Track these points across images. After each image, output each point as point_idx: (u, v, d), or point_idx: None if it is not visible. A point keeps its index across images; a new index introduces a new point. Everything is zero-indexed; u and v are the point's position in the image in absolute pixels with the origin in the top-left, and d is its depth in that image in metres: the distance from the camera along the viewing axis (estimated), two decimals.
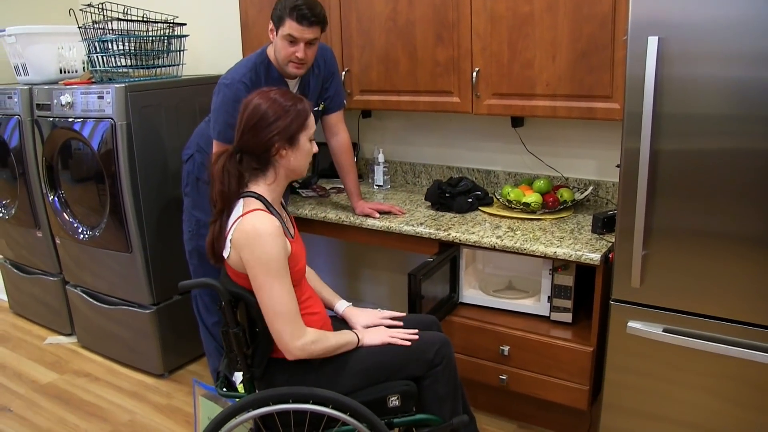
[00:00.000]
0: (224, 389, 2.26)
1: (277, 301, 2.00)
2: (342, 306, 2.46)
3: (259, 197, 2.10)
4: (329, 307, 2.45)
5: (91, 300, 3.72)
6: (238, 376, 2.31)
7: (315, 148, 2.20)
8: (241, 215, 2.03)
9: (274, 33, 2.69)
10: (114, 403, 3.34)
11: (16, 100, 3.72)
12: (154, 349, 3.52)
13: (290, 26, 2.61)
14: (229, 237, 2.06)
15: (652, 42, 2.04)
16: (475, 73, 2.90)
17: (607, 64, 2.60)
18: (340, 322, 2.41)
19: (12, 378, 3.62)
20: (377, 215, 3.00)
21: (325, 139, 3.11)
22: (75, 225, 3.61)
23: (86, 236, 3.55)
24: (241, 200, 2.09)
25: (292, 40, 2.64)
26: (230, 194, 2.09)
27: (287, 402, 2.00)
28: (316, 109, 2.99)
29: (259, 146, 2.08)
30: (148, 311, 3.47)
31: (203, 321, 3.17)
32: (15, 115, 3.75)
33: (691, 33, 2.00)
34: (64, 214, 3.65)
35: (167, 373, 3.59)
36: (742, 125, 1.99)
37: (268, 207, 2.10)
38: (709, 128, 2.05)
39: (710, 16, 1.97)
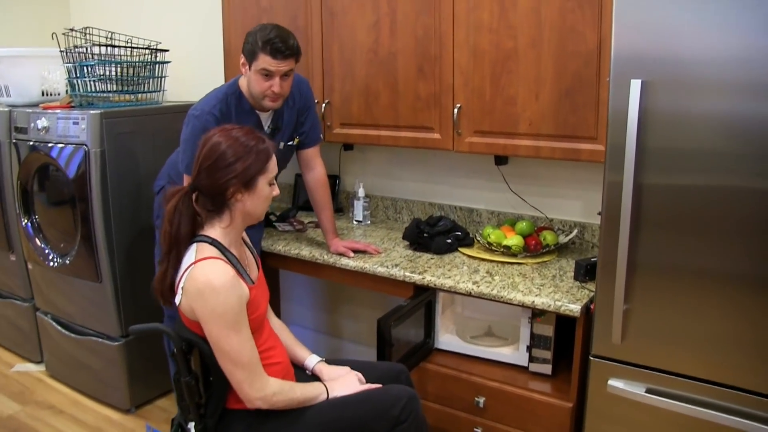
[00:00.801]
0: None
1: (234, 352, 1.83)
2: (312, 361, 2.24)
3: (213, 242, 1.91)
4: (299, 363, 2.24)
5: (60, 328, 3.52)
6: (192, 426, 2.11)
7: (276, 192, 2.02)
8: (193, 262, 1.86)
9: (247, 67, 2.54)
10: None
11: None
12: (121, 382, 3.31)
13: (264, 60, 2.46)
14: (180, 284, 1.88)
15: (635, 85, 1.87)
16: (456, 109, 2.71)
17: (591, 104, 2.42)
18: (312, 378, 2.20)
19: None
20: (351, 254, 2.79)
21: (301, 174, 2.93)
22: (46, 251, 3.43)
23: (57, 263, 3.36)
24: (194, 245, 1.91)
25: (267, 74, 2.49)
26: (179, 237, 1.92)
27: None
28: (290, 143, 2.81)
29: (215, 187, 1.90)
30: (116, 343, 3.26)
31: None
32: None
33: (674, 70, 1.84)
34: (36, 239, 3.46)
35: (134, 408, 3.37)
36: (727, 161, 1.82)
37: (224, 253, 1.91)
38: (693, 164, 1.87)
39: (692, 53, 1.81)
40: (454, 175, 3.24)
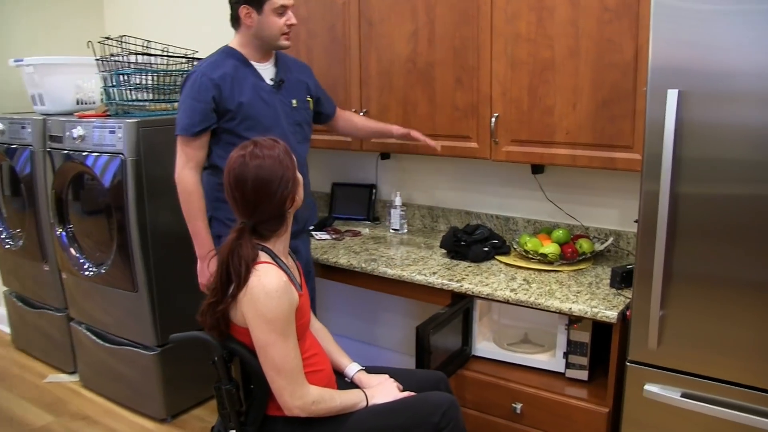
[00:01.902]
0: None
1: (279, 359, 1.97)
2: (353, 369, 2.39)
3: (264, 248, 2.08)
4: (339, 370, 2.40)
5: (94, 338, 3.74)
6: None
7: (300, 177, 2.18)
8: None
9: (254, 14, 2.64)
10: None
11: (29, 130, 3.82)
12: (157, 392, 3.52)
13: None
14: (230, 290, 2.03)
15: (672, 95, 2.05)
16: (494, 119, 2.92)
17: (628, 114, 2.61)
18: (351, 386, 2.35)
19: (2, 422, 3.58)
20: (420, 136, 3.05)
21: (339, 131, 3.23)
22: (81, 261, 3.65)
23: (92, 273, 3.59)
24: None
25: (282, 10, 2.65)
26: (238, 270, 1.99)
27: None
28: (305, 106, 2.93)
29: (276, 210, 2.06)
30: (152, 353, 3.47)
31: None
32: (28, 145, 3.84)
33: (710, 81, 2.02)
34: (71, 249, 3.69)
35: (170, 418, 3.58)
36: (762, 171, 1.99)
37: (275, 259, 2.08)
38: (728, 173, 2.05)
39: (727, 65, 1.99)
40: (490, 183, 3.45)
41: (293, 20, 2.70)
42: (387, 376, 2.35)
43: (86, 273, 3.62)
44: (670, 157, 2.08)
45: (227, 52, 2.75)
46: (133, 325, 3.53)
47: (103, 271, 3.52)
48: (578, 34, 2.66)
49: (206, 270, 2.68)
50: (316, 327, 2.44)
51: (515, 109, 2.87)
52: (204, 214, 2.72)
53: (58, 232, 3.73)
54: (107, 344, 3.67)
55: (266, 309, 1.95)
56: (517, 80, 2.84)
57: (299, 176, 2.14)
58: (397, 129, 3.09)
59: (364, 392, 2.20)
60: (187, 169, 2.68)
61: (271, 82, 2.79)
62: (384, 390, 2.25)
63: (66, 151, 3.58)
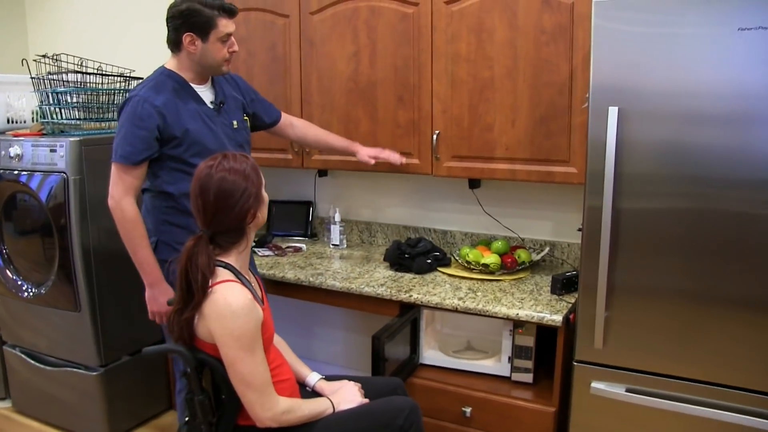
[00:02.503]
0: None
1: (248, 374, 2.01)
2: (314, 379, 2.47)
3: (227, 266, 2.12)
4: (300, 380, 2.46)
5: (30, 361, 3.67)
6: None
7: (266, 197, 2.24)
8: (210, 286, 2.04)
9: (198, 42, 2.60)
10: None
11: None
12: (99, 413, 3.48)
13: (224, 24, 2.60)
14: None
15: (613, 112, 2.22)
16: (435, 136, 3.04)
17: (565, 130, 2.78)
18: (312, 395, 2.42)
19: None
20: (372, 162, 3.10)
21: (289, 138, 3.22)
22: (19, 283, 3.58)
23: (31, 294, 3.53)
24: None
25: (226, 38, 2.63)
26: (197, 278, 2.03)
27: None
28: (244, 122, 2.91)
29: (235, 222, 2.11)
30: (94, 373, 3.44)
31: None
32: None
33: (647, 99, 2.21)
34: (7, 271, 3.62)
35: None
36: (696, 186, 2.18)
37: (238, 276, 2.11)
38: (666, 188, 2.23)
39: (663, 83, 2.18)
40: (427, 198, 3.58)
41: (235, 47, 2.69)
42: (347, 380, 2.43)
43: (25, 294, 3.55)
44: (612, 173, 2.24)
45: (167, 74, 2.67)
46: (73, 346, 3.48)
47: (42, 291, 3.47)
48: (516, 55, 2.82)
49: (157, 297, 2.64)
50: (276, 339, 2.49)
51: (456, 126, 3.01)
52: (147, 240, 2.63)
53: None
54: (45, 366, 3.61)
55: (234, 326, 1.99)
56: (458, 98, 2.98)
57: (265, 195, 2.19)
58: (362, 150, 3.11)
59: (330, 399, 2.27)
60: (126, 197, 2.58)
61: (211, 105, 2.76)
62: (347, 394, 2.32)
63: (1, 171, 3.52)
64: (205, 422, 2.14)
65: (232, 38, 2.66)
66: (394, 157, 3.11)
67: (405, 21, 3.05)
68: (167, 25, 2.63)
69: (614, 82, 2.24)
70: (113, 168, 2.60)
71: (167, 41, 2.67)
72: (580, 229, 2.42)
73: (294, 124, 3.17)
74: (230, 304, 1.99)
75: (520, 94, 2.85)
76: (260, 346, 2.06)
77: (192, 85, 2.71)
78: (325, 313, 3.99)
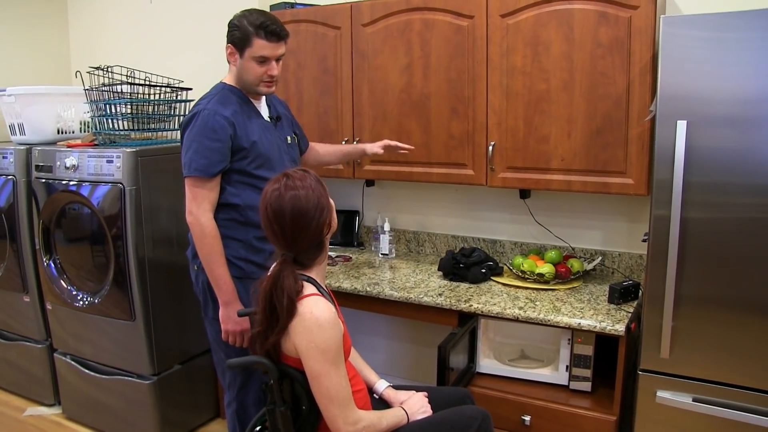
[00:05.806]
0: None
1: (333, 388, 2.04)
2: (381, 386, 2.50)
3: (309, 279, 2.16)
4: (368, 386, 2.49)
5: (81, 368, 3.74)
6: None
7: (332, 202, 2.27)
8: (297, 300, 2.07)
9: (237, 56, 2.64)
10: None
11: (11, 160, 3.80)
12: (150, 421, 3.55)
13: (260, 45, 2.58)
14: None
15: (681, 125, 2.28)
16: (490, 147, 3.10)
17: (621, 141, 2.84)
18: (379, 402, 2.46)
19: None
20: (381, 151, 3.10)
21: (308, 164, 3.19)
22: (73, 293, 3.65)
23: (85, 303, 3.59)
24: None
25: (263, 60, 2.62)
26: (282, 301, 2.06)
27: None
28: (294, 139, 2.98)
29: (315, 239, 2.15)
30: (147, 381, 3.50)
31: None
32: (9, 175, 3.81)
33: (717, 108, 2.26)
34: (61, 280, 3.69)
35: None
36: (764, 195, 2.24)
37: (320, 290, 2.15)
38: (733, 198, 2.29)
39: (730, 93, 2.24)
40: (477, 208, 3.64)
41: (274, 71, 2.66)
42: (414, 391, 2.47)
43: (79, 304, 3.62)
44: (680, 182, 2.30)
45: (228, 88, 2.72)
46: (126, 355, 3.55)
47: (97, 301, 3.53)
48: (573, 68, 2.88)
49: (232, 316, 2.64)
50: None
51: (511, 138, 3.06)
52: (224, 258, 2.64)
53: (45, 263, 3.72)
54: (95, 374, 3.68)
55: (320, 340, 2.02)
56: (513, 110, 3.04)
57: (331, 201, 2.23)
58: (369, 146, 3.13)
59: (403, 409, 2.31)
60: (205, 212, 2.61)
61: (269, 120, 2.83)
62: (416, 403, 2.36)
63: (56, 181, 3.59)
64: None
65: (273, 63, 2.65)
66: (403, 145, 3.13)
67: (459, 34, 3.11)
68: None
69: (681, 92, 2.30)
70: (187, 183, 2.63)
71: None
72: (644, 240, 2.47)
73: (312, 148, 3.21)
74: (317, 318, 2.02)
75: (576, 107, 2.90)
76: (343, 359, 2.09)
77: (251, 98, 2.77)
78: (369, 321, 4.04)
